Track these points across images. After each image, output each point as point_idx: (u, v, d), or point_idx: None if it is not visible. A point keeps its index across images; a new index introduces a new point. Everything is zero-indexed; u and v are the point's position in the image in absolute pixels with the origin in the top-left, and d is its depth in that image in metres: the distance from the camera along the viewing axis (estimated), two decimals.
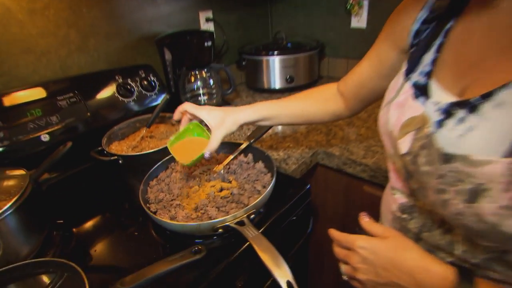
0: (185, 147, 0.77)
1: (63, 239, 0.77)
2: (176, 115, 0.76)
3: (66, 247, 0.74)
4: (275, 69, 1.46)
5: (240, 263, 0.68)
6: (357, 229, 0.55)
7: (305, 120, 0.82)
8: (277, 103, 0.78)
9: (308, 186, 0.85)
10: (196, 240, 0.71)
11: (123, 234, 0.76)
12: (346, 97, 0.78)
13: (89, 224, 0.81)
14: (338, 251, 0.55)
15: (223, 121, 0.71)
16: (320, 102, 0.80)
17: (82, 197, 0.92)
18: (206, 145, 0.71)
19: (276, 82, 1.50)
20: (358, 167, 0.95)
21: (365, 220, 0.54)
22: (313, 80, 1.56)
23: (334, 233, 0.56)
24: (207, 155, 0.71)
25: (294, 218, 0.83)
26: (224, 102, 1.32)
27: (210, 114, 0.71)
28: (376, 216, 1.01)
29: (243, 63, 1.52)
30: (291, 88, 1.51)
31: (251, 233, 0.59)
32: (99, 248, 0.73)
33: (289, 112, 0.79)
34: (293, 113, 0.79)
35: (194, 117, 0.75)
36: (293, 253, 0.76)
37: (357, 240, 0.50)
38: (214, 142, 0.71)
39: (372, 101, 0.76)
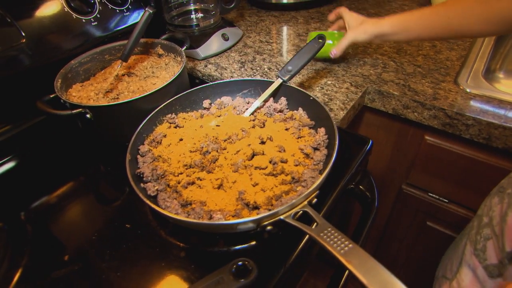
0: None
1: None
2: (332, 15, 0.77)
3: (20, 251, 0.48)
4: None
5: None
6: None
7: (454, 34, 0.60)
8: (422, 12, 0.62)
9: (371, 143, 0.60)
10: (223, 236, 0.46)
11: (108, 231, 0.50)
12: None
13: (46, 213, 0.54)
14: None
15: (360, 24, 0.68)
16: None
17: (28, 174, 0.63)
18: None
19: None
20: (426, 112, 0.70)
21: None
22: None
23: None
24: (333, 53, 0.72)
25: (352, 186, 0.59)
26: (224, 22, 0.97)
27: (352, 15, 0.71)
28: (452, 177, 0.79)
29: None
30: (309, 2, 1.14)
31: (336, 243, 0.34)
32: (73, 254, 0.47)
33: (437, 22, 0.60)
34: (442, 23, 0.59)
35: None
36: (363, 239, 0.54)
37: None
38: (343, 41, 0.71)
39: None
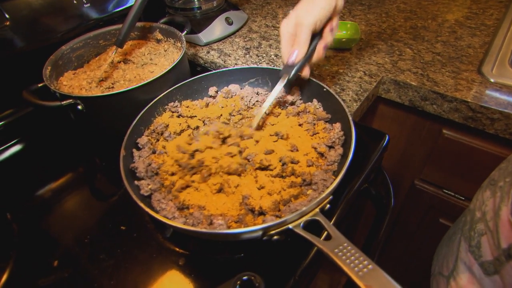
0: None
1: None
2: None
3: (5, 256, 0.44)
4: None
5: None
6: None
7: None
8: None
9: (387, 138, 0.55)
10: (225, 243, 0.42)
11: (102, 233, 0.46)
12: None
13: (34, 213, 0.50)
14: None
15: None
16: None
17: (16, 169, 0.59)
18: None
19: None
20: (446, 104, 0.64)
21: None
22: None
23: None
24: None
25: (366, 186, 0.54)
26: (228, 5, 0.90)
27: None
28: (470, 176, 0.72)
29: None
30: None
31: (354, 262, 0.30)
32: (63, 259, 0.44)
33: None
34: None
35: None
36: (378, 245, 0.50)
37: None
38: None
39: None
